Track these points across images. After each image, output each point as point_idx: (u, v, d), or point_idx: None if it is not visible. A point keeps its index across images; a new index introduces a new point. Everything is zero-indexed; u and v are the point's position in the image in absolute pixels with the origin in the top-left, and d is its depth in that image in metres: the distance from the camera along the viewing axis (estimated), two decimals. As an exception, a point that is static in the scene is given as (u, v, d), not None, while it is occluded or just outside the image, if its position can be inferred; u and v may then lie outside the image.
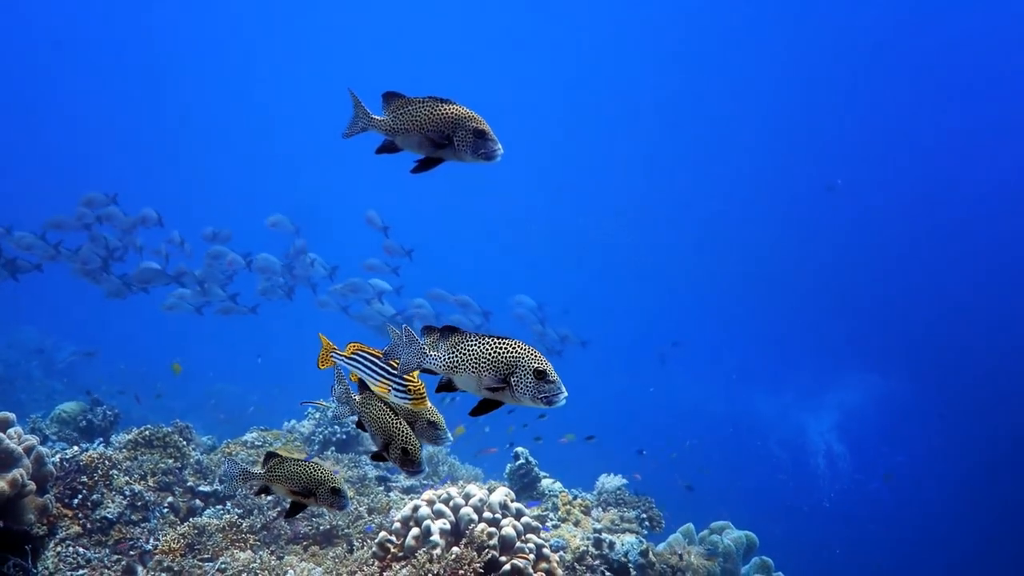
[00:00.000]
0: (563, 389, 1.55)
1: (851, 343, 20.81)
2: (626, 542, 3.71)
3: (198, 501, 3.98)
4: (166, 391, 8.01)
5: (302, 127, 27.55)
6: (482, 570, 3.06)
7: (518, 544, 3.26)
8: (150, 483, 3.92)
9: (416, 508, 3.38)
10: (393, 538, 3.36)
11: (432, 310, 7.83)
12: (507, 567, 3.14)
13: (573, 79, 28.05)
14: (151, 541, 3.60)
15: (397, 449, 2.16)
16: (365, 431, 2.33)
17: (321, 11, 28.39)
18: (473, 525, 3.26)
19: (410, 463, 2.16)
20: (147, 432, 4.21)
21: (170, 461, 4.09)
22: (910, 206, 24.42)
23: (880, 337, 21.07)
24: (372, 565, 3.31)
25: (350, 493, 4.16)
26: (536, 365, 1.55)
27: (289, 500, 2.47)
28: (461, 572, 3.00)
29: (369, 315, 7.62)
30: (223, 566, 3.40)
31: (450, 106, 1.88)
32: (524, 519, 3.40)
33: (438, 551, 3.14)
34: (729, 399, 15.84)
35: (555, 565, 3.33)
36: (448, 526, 3.28)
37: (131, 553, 3.51)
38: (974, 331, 20.91)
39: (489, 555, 3.13)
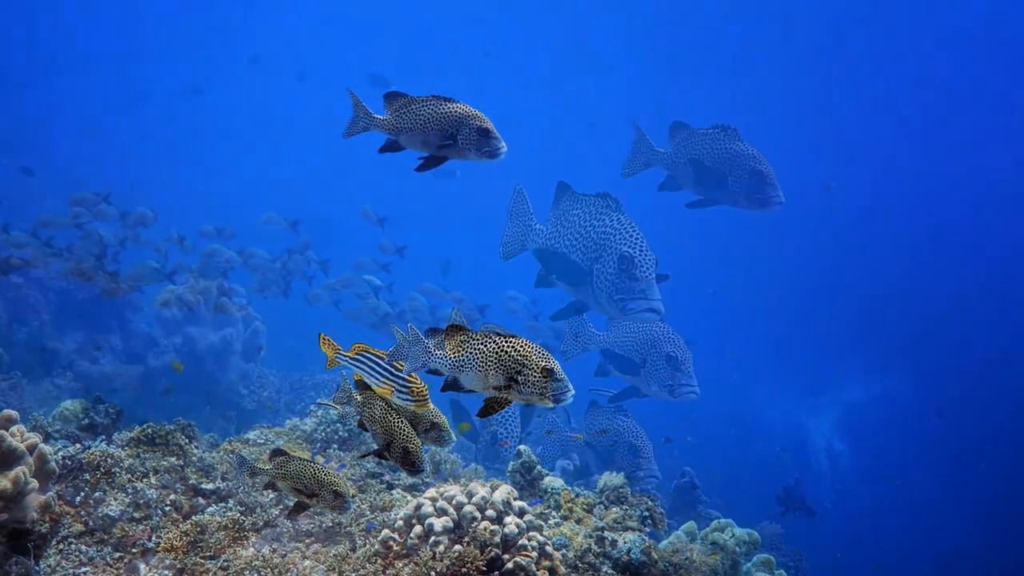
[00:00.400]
0: (570, 387, 1.56)
1: (851, 342, 20.81)
2: (628, 540, 3.71)
3: (200, 499, 3.98)
4: (168, 389, 8.02)
5: (302, 125, 27.53)
6: (485, 568, 3.07)
7: (521, 542, 3.26)
8: (152, 481, 3.92)
9: (419, 506, 3.38)
10: (396, 536, 3.36)
11: (427, 304, 7.84)
12: (510, 565, 3.14)
13: (572, 77, 28.05)
14: (153, 539, 3.59)
15: (398, 448, 2.16)
16: (367, 431, 2.33)
17: (321, 9, 28.37)
18: (476, 523, 3.26)
19: (411, 462, 2.16)
20: (149, 430, 4.21)
21: (172, 459, 4.09)
22: (910, 205, 24.43)
23: (880, 336, 21.07)
24: (375, 563, 3.31)
25: (352, 492, 4.16)
26: (544, 363, 1.55)
27: (292, 498, 2.47)
28: (464, 570, 3.00)
29: (363, 311, 7.62)
30: (225, 564, 3.40)
31: (454, 104, 1.88)
32: (527, 517, 3.41)
33: (441, 549, 3.14)
34: (729, 398, 15.81)
35: (558, 563, 3.33)
36: (451, 524, 3.28)
37: (133, 551, 3.51)
38: (975, 329, 20.91)
39: (492, 553, 3.13)
